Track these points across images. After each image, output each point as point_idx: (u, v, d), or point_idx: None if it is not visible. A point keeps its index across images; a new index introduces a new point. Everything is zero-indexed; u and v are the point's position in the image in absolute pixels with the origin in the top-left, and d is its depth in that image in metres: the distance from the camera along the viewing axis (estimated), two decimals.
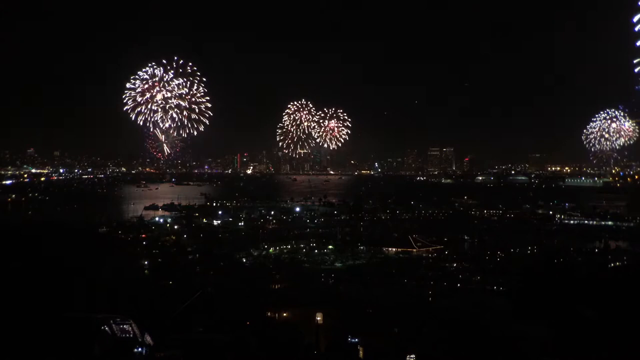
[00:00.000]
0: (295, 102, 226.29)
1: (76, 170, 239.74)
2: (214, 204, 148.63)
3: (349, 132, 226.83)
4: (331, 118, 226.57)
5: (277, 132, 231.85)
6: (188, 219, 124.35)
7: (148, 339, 18.10)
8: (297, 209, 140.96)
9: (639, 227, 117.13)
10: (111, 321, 16.35)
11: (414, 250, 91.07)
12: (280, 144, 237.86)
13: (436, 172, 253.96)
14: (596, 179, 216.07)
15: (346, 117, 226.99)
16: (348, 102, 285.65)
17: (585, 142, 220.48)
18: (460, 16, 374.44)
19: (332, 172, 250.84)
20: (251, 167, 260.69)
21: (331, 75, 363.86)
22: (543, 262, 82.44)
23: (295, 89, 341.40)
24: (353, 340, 37.95)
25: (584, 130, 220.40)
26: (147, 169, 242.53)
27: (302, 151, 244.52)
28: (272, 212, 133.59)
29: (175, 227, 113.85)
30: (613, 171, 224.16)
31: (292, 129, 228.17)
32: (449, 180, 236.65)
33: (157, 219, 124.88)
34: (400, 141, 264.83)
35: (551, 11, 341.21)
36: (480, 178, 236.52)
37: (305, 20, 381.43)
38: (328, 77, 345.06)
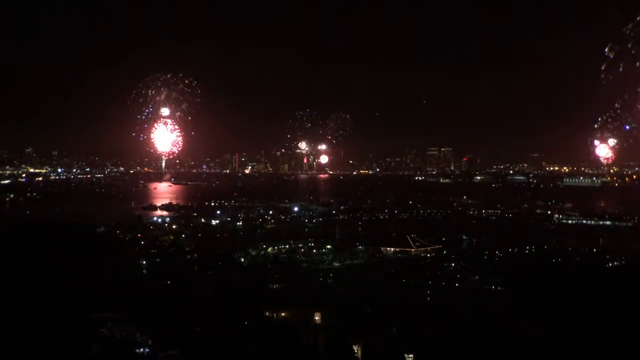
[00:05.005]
0: (299, 112, 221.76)
1: (74, 170, 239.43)
2: (212, 204, 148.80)
3: (347, 132, 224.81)
4: (331, 121, 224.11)
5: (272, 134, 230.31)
6: (186, 218, 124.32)
7: (147, 339, 18.13)
8: (296, 209, 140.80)
9: (637, 227, 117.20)
10: (110, 321, 16.37)
11: (413, 250, 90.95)
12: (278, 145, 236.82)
13: (435, 172, 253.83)
14: (594, 178, 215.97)
15: (346, 119, 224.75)
16: (347, 100, 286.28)
17: (583, 142, 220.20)
18: (460, 18, 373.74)
19: (330, 172, 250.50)
20: (249, 167, 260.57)
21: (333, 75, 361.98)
22: (541, 262, 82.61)
23: (295, 87, 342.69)
24: (352, 340, 38.03)
25: (582, 130, 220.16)
26: (146, 169, 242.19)
27: (300, 151, 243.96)
28: (271, 212, 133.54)
29: (174, 226, 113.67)
30: (611, 171, 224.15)
31: (290, 131, 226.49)
32: (447, 180, 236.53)
33: (155, 218, 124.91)
34: (399, 141, 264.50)
35: (549, 13, 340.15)
36: (479, 178, 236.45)
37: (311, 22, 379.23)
38: (329, 77, 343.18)
